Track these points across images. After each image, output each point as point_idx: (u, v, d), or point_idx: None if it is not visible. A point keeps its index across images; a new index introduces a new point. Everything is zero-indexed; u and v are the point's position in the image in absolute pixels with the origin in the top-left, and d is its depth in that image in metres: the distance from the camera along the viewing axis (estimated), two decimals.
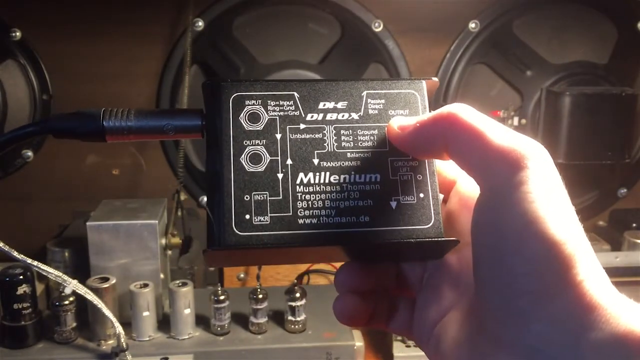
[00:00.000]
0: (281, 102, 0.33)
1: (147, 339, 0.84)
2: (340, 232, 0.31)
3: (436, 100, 1.11)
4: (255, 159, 0.32)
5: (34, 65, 1.05)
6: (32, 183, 1.08)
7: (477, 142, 0.29)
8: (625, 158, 1.04)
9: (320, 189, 0.32)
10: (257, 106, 0.33)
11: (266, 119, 0.33)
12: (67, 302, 0.81)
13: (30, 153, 1.07)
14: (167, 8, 1.05)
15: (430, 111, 0.34)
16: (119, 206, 0.92)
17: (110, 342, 0.82)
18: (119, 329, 0.79)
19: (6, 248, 0.76)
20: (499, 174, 0.28)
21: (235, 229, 0.31)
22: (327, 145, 0.33)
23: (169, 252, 0.93)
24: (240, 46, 1.06)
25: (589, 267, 0.27)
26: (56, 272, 0.78)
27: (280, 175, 0.32)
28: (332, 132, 0.33)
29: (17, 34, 1.03)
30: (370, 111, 0.34)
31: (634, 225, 1.09)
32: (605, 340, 0.25)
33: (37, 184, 1.08)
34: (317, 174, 0.32)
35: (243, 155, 0.32)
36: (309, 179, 0.32)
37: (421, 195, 0.33)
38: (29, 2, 1.03)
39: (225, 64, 1.05)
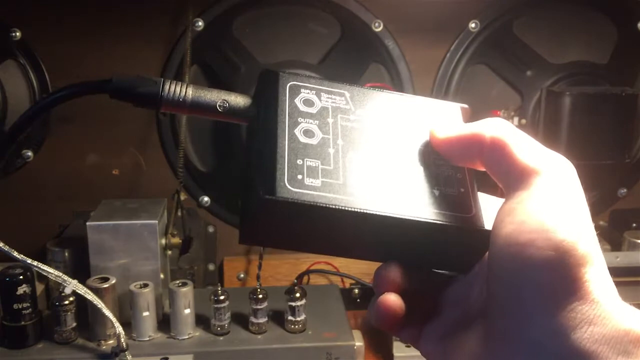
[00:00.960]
0: (333, 97, 0.35)
1: (147, 339, 0.84)
2: (386, 209, 0.32)
3: None
4: (309, 133, 0.33)
5: (34, 65, 1.05)
6: (32, 183, 1.08)
7: (504, 158, 0.32)
8: (625, 158, 1.04)
9: (368, 169, 0.33)
10: (311, 95, 0.35)
11: (320, 106, 0.34)
12: (67, 302, 0.81)
13: (30, 153, 1.07)
14: (167, 8, 1.05)
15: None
16: (119, 206, 0.92)
17: (110, 342, 0.82)
18: (119, 329, 0.79)
19: (6, 248, 0.76)
20: (516, 185, 0.30)
21: (287, 184, 0.31)
22: (375, 137, 0.34)
23: (169, 252, 0.93)
24: (240, 46, 1.06)
25: (596, 270, 0.28)
26: (56, 272, 0.78)
27: (331, 150, 0.33)
28: (380, 127, 0.35)
29: (17, 34, 1.03)
30: (415, 116, 0.36)
31: (634, 225, 1.09)
32: (606, 335, 0.26)
33: (37, 184, 1.08)
34: (367, 156, 0.33)
35: (297, 129, 0.33)
36: (358, 159, 0.33)
37: (462, 189, 0.34)
38: (29, 2, 1.03)
39: (225, 64, 1.05)
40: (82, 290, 0.79)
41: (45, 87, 1.05)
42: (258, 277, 0.96)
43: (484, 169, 0.33)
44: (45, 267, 0.78)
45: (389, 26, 1.08)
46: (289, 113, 0.33)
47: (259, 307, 0.86)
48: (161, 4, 1.05)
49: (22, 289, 0.81)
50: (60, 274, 0.79)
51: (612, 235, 1.08)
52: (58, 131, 1.07)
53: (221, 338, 0.85)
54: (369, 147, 0.34)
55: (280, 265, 1.12)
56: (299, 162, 0.32)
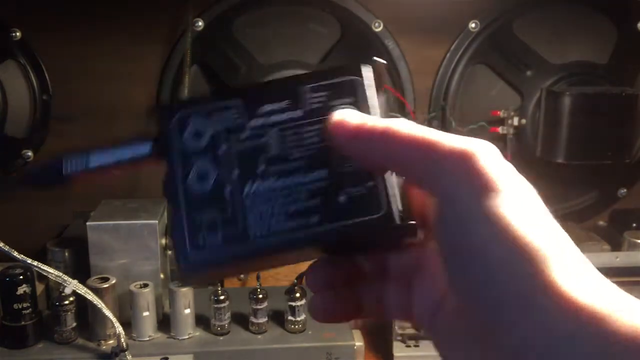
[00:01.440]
0: (225, 113, 0.33)
1: (147, 339, 0.84)
2: (291, 238, 0.31)
3: (436, 101, 1.11)
4: (203, 177, 0.32)
5: (34, 65, 1.05)
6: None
7: (422, 151, 0.29)
8: (625, 158, 1.04)
9: (267, 196, 0.31)
10: (201, 122, 0.33)
11: (210, 133, 0.32)
12: (67, 302, 0.81)
13: (30, 153, 1.07)
14: (167, 8, 1.05)
15: (381, 92, 0.33)
16: (119, 206, 0.92)
17: (110, 342, 0.82)
18: (119, 329, 0.79)
19: (6, 248, 0.76)
20: (453, 180, 0.28)
21: (192, 253, 0.31)
22: (273, 148, 0.32)
23: (169, 252, 0.93)
24: (240, 46, 1.06)
25: (567, 267, 0.26)
26: (56, 272, 0.79)
27: (227, 190, 0.32)
28: (277, 134, 0.32)
29: (17, 34, 1.03)
30: (314, 105, 0.32)
31: (634, 225, 1.09)
32: (584, 342, 0.24)
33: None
34: (264, 181, 0.32)
35: (191, 176, 0.32)
36: (256, 189, 0.32)
37: (370, 183, 0.31)
38: (29, 2, 1.03)
39: (225, 64, 1.05)
40: (82, 290, 0.79)
41: (46, 87, 1.05)
42: (258, 277, 0.96)
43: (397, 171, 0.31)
44: (45, 267, 0.78)
45: (389, 26, 1.08)
46: (181, 156, 0.32)
47: (259, 307, 0.86)
48: (161, 4, 1.05)
49: (22, 289, 0.81)
50: (60, 274, 0.79)
51: (612, 235, 1.08)
52: (58, 131, 1.07)
53: (221, 338, 0.85)
54: (267, 167, 0.32)
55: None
56: (197, 219, 0.31)
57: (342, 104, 0.32)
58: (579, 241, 1.10)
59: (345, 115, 0.31)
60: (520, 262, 0.26)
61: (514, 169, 0.29)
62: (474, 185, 0.27)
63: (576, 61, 1.10)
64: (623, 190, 1.18)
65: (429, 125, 1.11)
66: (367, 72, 0.33)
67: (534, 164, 1.09)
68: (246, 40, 1.06)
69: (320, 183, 0.31)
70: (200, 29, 1.04)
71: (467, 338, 0.30)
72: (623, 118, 1.01)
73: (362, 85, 0.32)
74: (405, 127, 0.29)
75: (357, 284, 0.35)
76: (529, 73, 1.09)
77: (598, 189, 1.17)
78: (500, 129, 1.07)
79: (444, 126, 1.11)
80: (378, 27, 1.08)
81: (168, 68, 1.06)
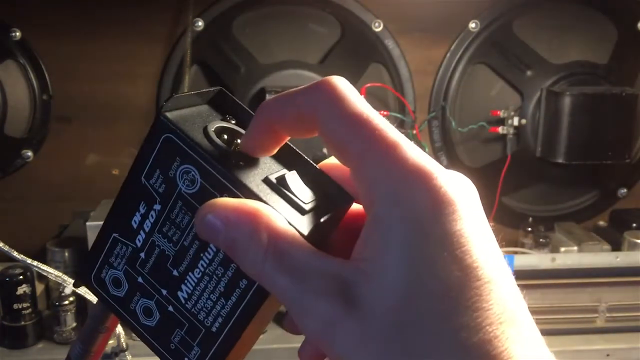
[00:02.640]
0: (115, 251, 0.31)
1: None
2: (242, 309, 0.30)
3: (436, 100, 1.11)
4: (148, 312, 0.32)
5: (34, 66, 1.05)
6: (32, 183, 1.08)
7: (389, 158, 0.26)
8: (625, 158, 1.04)
9: (198, 290, 0.30)
10: (110, 272, 0.32)
11: (123, 275, 0.32)
12: (67, 302, 0.81)
13: (30, 153, 1.06)
14: (167, 8, 1.05)
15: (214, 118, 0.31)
16: None
17: (110, 342, 0.82)
18: (119, 329, 0.79)
19: (6, 248, 0.76)
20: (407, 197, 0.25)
21: None
22: (169, 251, 0.30)
23: None
24: (240, 46, 1.06)
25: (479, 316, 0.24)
26: (56, 272, 0.78)
27: (171, 309, 0.31)
28: (159, 237, 0.30)
29: (17, 34, 1.03)
30: (160, 190, 0.30)
31: (634, 225, 1.09)
32: None
33: (37, 184, 1.08)
34: (185, 282, 0.30)
35: (140, 317, 0.32)
36: (186, 292, 0.30)
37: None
38: (29, 2, 1.03)
39: (225, 64, 1.05)
40: (81, 290, 0.79)
41: (45, 87, 1.05)
42: None
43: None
44: (45, 267, 0.78)
45: (389, 26, 1.08)
46: (121, 305, 0.32)
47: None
48: (161, 4, 1.05)
49: (22, 289, 0.81)
50: (60, 274, 0.79)
51: (611, 235, 1.08)
52: (58, 131, 1.07)
53: None
54: (179, 268, 0.30)
55: None
56: (171, 345, 0.32)
57: (179, 168, 0.29)
58: (579, 241, 1.10)
59: (198, 229, 0.28)
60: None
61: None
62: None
63: (576, 61, 1.10)
64: (623, 190, 1.18)
65: (429, 124, 1.12)
66: (169, 120, 0.29)
67: (534, 164, 1.09)
68: (246, 40, 1.06)
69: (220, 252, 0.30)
70: (200, 29, 1.04)
71: None
72: (623, 118, 1.02)
73: (176, 135, 0.29)
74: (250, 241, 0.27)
75: None
76: (529, 73, 1.09)
77: (598, 189, 1.17)
78: (500, 129, 1.07)
79: (444, 126, 1.11)
80: (378, 27, 1.08)
81: (168, 68, 1.06)
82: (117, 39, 1.05)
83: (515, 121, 1.07)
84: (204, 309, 0.30)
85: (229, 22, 1.05)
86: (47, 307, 0.89)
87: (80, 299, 0.81)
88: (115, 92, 1.07)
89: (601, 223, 1.17)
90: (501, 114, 1.07)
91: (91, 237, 0.85)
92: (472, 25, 1.09)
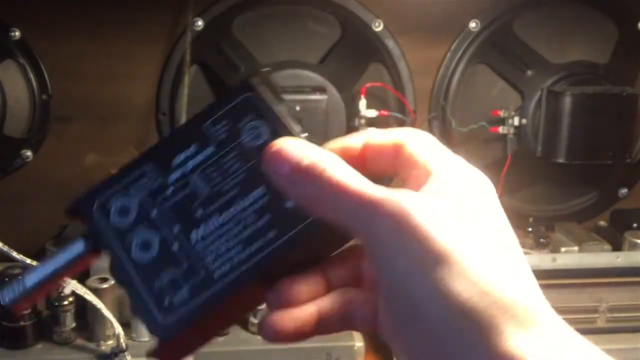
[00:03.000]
0: (140, 183, 0.32)
1: (147, 339, 0.84)
2: (256, 261, 0.30)
3: (437, 100, 1.11)
4: (146, 246, 0.31)
5: (34, 65, 1.04)
6: (32, 183, 1.08)
7: (353, 202, 0.28)
8: (625, 158, 1.04)
9: (217, 234, 0.31)
10: (121, 200, 0.32)
11: (135, 205, 0.32)
12: (66, 303, 0.81)
13: (29, 153, 1.06)
14: (167, 8, 1.05)
15: (279, 99, 0.33)
16: None
17: (110, 342, 0.82)
18: (119, 329, 0.79)
19: (5, 248, 0.76)
20: (390, 247, 0.27)
21: (162, 319, 0.30)
22: (202, 191, 0.32)
23: None
24: (240, 46, 1.05)
25: (514, 327, 0.25)
26: None
27: (175, 246, 0.31)
28: (199, 177, 0.32)
29: (17, 33, 1.03)
30: (222, 136, 0.33)
31: (635, 225, 1.08)
32: None
33: (36, 184, 1.08)
34: (207, 223, 0.31)
35: (134, 249, 0.31)
36: (202, 233, 0.31)
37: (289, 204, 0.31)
38: (29, 2, 1.03)
39: (225, 63, 1.05)
40: (81, 290, 0.79)
41: (45, 87, 1.05)
42: None
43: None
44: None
45: (389, 26, 1.08)
46: (117, 236, 0.32)
47: (258, 307, 0.86)
48: (161, 4, 1.05)
49: None
50: None
51: (612, 235, 1.08)
52: (58, 131, 1.07)
53: (221, 338, 0.85)
54: (204, 210, 0.31)
55: None
56: (156, 285, 0.30)
57: (249, 124, 0.32)
58: (579, 241, 1.10)
59: (281, 148, 0.30)
60: (467, 329, 0.25)
61: (458, 205, 0.28)
62: (413, 256, 0.26)
63: (576, 61, 1.10)
64: (624, 190, 1.18)
65: (429, 124, 1.12)
66: (257, 84, 0.33)
67: (534, 163, 1.09)
68: (246, 40, 1.06)
69: (262, 200, 0.31)
70: (200, 29, 1.04)
71: None
72: (623, 118, 1.01)
73: (259, 97, 0.33)
74: (335, 168, 0.28)
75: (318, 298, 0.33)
76: (529, 73, 1.09)
77: (598, 189, 1.17)
78: (500, 129, 1.07)
79: (444, 126, 1.11)
80: (378, 27, 1.07)
81: (168, 68, 1.06)
82: (117, 39, 1.05)
83: (516, 121, 1.06)
84: (215, 252, 0.30)
85: (229, 22, 1.05)
86: (47, 308, 0.89)
87: (79, 299, 0.80)
88: (115, 92, 1.07)
89: (602, 223, 1.16)
90: (501, 114, 1.07)
91: None
92: (472, 25, 1.09)
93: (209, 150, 0.32)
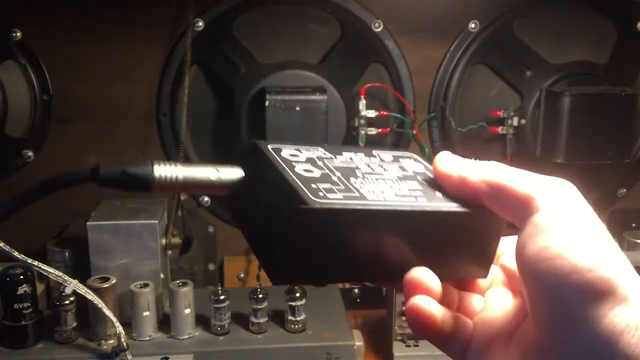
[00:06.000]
0: (311, 150, 0.36)
1: (148, 338, 0.84)
2: (405, 205, 0.33)
3: (436, 101, 1.11)
4: (308, 171, 0.33)
5: (35, 66, 1.05)
6: (32, 183, 1.08)
7: (501, 197, 0.33)
8: (625, 158, 1.04)
9: (375, 182, 0.34)
10: (293, 150, 0.35)
11: (305, 156, 0.35)
12: (67, 302, 0.81)
13: (30, 153, 1.07)
14: (167, 8, 1.05)
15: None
16: (119, 206, 0.92)
17: (111, 342, 0.82)
18: (119, 328, 0.79)
19: (7, 248, 0.76)
20: (522, 214, 0.31)
21: (314, 198, 0.30)
22: (363, 170, 0.36)
23: (169, 252, 0.93)
24: (240, 46, 1.06)
25: (627, 273, 0.28)
26: (56, 272, 0.79)
27: (335, 178, 0.34)
28: (363, 163, 0.37)
29: (18, 34, 1.03)
30: (384, 157, 0.38)
31: (634, 225, 1.09)
32: None
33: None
34: (365, 178, 0.35)
35: (297, 169, 0.33)
36: (361, 181, 0.34)
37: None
38: (30, 3, 1.03)
39: (225, 64, 1.05)
40: (82, 290, 0.79)
41: (46, 87, 1.05)
42: (258, 277, 0.96)
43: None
44: (45, 267, 0.78)
45: (389, 26, 1.08)
46: (284, 163, 0.34)
47: (259, 306, 0.86)
48: (161, 4, 1.05)
49: (23, 289, 0.81)
50: (61, 273, 0.79)
51: (611, 235, 1.08)
52: (58, 131, 1.07)
53: (221, 338, 0.86)
54: (364, 175, 0.35)
55: None
56: (314, 185, 0.32)
57: (409, 163, 0.39)
58: None
59: (446, 162, 0.35)
60: None
61: (585, 204, 0.31)
62: (584, 293, 0.28)
63: (576, 61, 1.10)
64: (623, 190, 1.18)
65: (429, 125, 1.12)
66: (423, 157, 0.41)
67: (533, 164, 1.09)
68: (246, 40, 1.06)
69: (416, 184, 0.36)
70: (200, 29, 1.04)
71: None
72: (623, 118, 1.02)
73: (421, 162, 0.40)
74: (495, 172, 0.33)
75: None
76: (528, 73, 1.09)
77: (598, 189, 1.17)
78: (500, 129, 1.07)
79: (444, 126, 1.11)
80: (378, 27, 1.08)
81: (168, 68, 1.06)
82: (117, 39, 1.05)
83: (515, 121, 1.07)
84: (369, 188, 0.33)
85: (229, 22, 1.05)
86: (48, 307, 0.89)
87: (80, 298, 0.81)
88: (115, 92, 1.07)
89: None
90: (501, 114, 1.07)
91: (91, 237, 0.86)
92: (472, 25, 1.09)
93: (373, 157, 0.38)
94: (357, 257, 0.32)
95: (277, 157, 0.34)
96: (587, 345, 0.27)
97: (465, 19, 1.09)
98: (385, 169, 0.37)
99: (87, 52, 1.05)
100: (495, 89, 1.11)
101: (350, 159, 0.37)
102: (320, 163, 0.35)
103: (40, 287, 0.91)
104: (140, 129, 1.09)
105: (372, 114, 1.04)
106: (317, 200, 0.30)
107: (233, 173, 0.35)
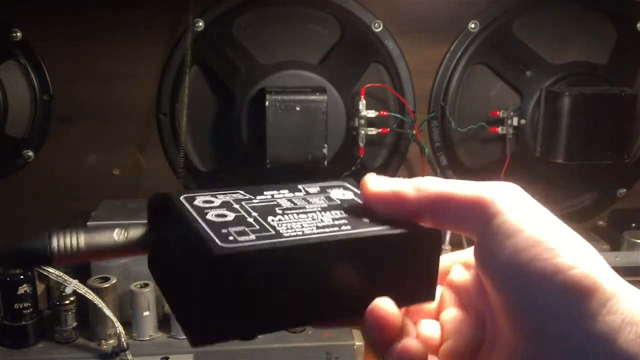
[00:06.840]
0: (229, 194, 0.35)
1: (148, 338, 0.84)
2: (325, 237, 0.31)
3: (436, 101, 1.11)
4: (221, 216, 0.32)
5: (35, 66, 1.05)
6: (33, 183, 1.08)
7: (448, 207, 0.31)
8: (624, 158, 1.04)
9: (294, 218, 0.33)
10: (208, 197, 0.35)
11: (220, 201, 0.34)
12: (67, 302, 0.81)
13: (31, 153, 1.07)
14: (167, 8, 1.05)
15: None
16: (119, 206, 0.92)
17: (111, 341, 0.82)
18: (120, 328, 0.79)
19: None
20: (476, 225, 0.30)
21: (223, 245, 0.29)
22: (284, 206, 0.35)
23: None
24: (240, 46, 1.06)
25: (606, 269, 0.28)
26: (57, 272, 0.79)
27: (251, 219, 0.32)
28: (285, 199, 0.35)
29: (18, 34, 1.03)
30: (310, 190, 0.37)
31: (634, 225, 1.09)
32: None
33: (37, 184, 1.08)
34: (285, 215, 0.33)
35: (209, 215, 0.32)
36: (279, 218, 0.33)
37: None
38: (30, 3, 1.03)
39: (225, 64, 1.05)
40: (82, 290, 0.79)
41: (46, 87, 1.05)
42: None
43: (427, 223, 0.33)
44: (45, 267, 0.78)
45: (389, 26, 1.08)
46: (194, 211, 0.32)
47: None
48: (161, 4, 1.05)
49: (23, 289, 0.81)
50: (61, 273, 0.79)
51: (611, 235, 1.08)
52: (58, 131, 1.07)
53: None
54: (284, 212, 0.33)
55: None
56: (224, 231, 0.30)
57: (337, 193, 0.37)
58: None
59: (376, 182, 0.34)
60: None
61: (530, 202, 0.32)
62: (572, 291, 0.27)
63: (576, 61, 1.10)
64: (622, 190, 1.18)
65: (429, 125, 1.12)
66: (352, 183, 0.39)
67: (533, 164, 1.09)
68: (246, 40, 1.06)
69: (339, 215, 0.34)
70: (200, 29, 1.04)
71: None
72: (622, 118, 1.02)
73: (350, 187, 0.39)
74: (432, 184, 0.32)
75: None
76: (528, 73, 1.09)
77: (597, 189, 1.17)
78: (499, 129, 1.07)
79: (444, 126, 1.11)
80: (378, 27, 1.08)
81: (168, 68, 1.06)
82: (118, 39, 1.05)
83: (515, 121, 1.07)
84: (287, 225, 0.32)
85: (229, 22, 1.06)
86: (48, 307, 0.90)
87: (80, 298, 0.81)
88: (116, 93, 1.07)
89: (600, 223, 1.17)
90: (501, 114, 1.07)
91: None
92: (471, 25, 1.09)
93: (297, 194, 0.36)
94: (286, 300, 0.30)
95: (188, 206, 0.33)
96: (583, 346, 0.26)
97: (465, 19, 1.09)
98: (309, 202, 0.35)
99: (87, 52, 1.05)
100: (495, 89, 1.11)
101: (272, 196, 0.35)
102: (236, 206, 0.34)
103: (40, 287, 0.91)
104: (140, 129, 1.09)
105: (372, 114, 1.04)
106: (225, 245, 0.29)
107: (141, 231, 0.33)
